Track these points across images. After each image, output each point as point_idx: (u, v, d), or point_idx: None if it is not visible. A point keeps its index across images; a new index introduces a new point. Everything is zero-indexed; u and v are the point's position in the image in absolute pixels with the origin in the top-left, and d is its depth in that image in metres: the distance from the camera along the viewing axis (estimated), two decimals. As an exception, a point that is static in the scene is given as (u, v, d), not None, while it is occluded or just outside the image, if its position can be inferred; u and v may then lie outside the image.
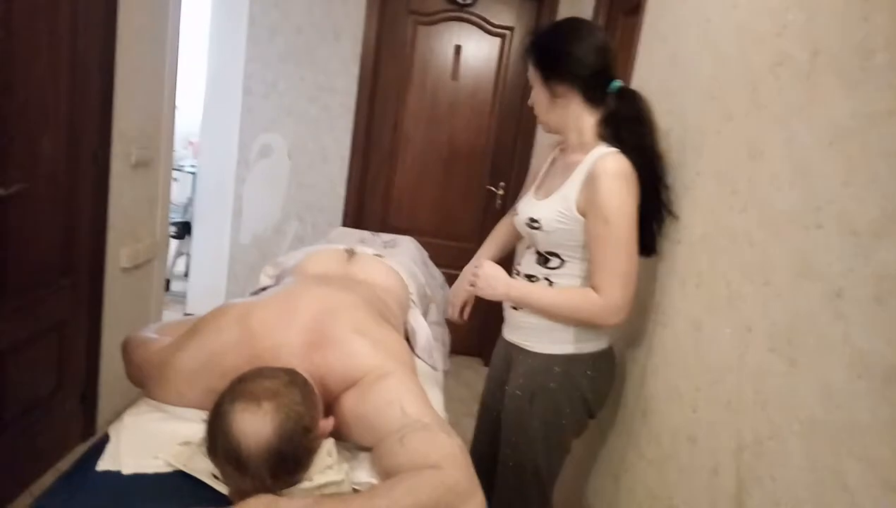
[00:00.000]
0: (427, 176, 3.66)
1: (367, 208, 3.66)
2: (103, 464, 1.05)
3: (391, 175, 3.63)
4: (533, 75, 1.47)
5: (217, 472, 1.03)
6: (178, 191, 5.52)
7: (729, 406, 1.05)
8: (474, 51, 3.54)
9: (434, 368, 1.73)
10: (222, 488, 1.03)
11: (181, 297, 4.03)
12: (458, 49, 3.53)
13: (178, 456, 1.08)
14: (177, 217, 4.63)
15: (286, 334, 1.21)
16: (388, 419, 1.12)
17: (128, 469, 1.04)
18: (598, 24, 2.81)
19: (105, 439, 1.13)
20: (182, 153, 5.34)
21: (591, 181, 1.36)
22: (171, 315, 4.05)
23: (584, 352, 1.47)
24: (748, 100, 1.16)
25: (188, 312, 3.83)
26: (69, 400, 2.28)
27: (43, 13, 1.84)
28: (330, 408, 1.19)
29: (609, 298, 1.34)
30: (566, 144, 1.53)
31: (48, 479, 2.14)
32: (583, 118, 1.44)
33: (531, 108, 1.53)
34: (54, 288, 2.08)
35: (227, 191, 3.59)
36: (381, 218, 3.65)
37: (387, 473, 1.09)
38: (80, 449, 2.36)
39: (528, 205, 1.54)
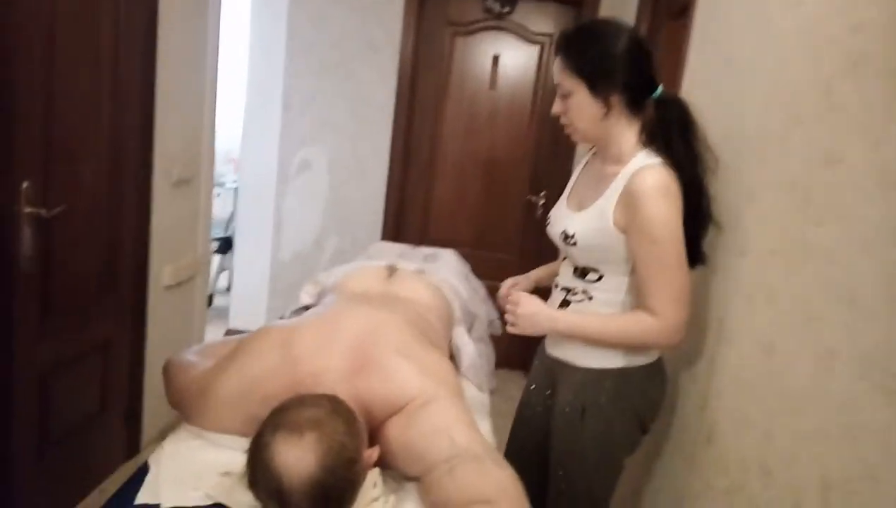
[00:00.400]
0: (466, 187, 3.61)
1: (406, 221, 3.62)
2: (142, 497, 1.01)
3: (430, 187, 3.59)
4: (573, 84, 1.33)
5: (258, 506, 0.98)
6: (220, 207, 5.61)
7: (811, 437, 0.96)
8: (512, 60, 3.49)
9: (480, 389, 1.66)
10: (264, 523, 0.98)
11: (224, 312, 4.05)
12: (495, 58, 3.48)
13: (217, 488, 1.03)
14: (219, 232, 4.68)
15: (328, 358, 1.16)
16: (436, 448, 1.06)
17: (167, 502, 1.00)
18: (640, 29, 2.72)
19: (145, 468, 1.09)
20: (223, 169, 5.41)
21: (630, 197, 1.27)
22: (213, 330, 4.07)
23: (635, 366, 1.39)
24: (820, 102, 1.06)
25: (231, 327, 3.84)
26: (114, 419, 2.28)
27: (85, 35, 1.85)
28: (374, 436, 1.14)
29: (666, 321, 1.26)
30: (604, 153, 1.43)
31: (93, 500, 2.13)
32: (625, 127, 1.35)
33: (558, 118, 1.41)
34: (98, 308, 2.08)
35: (268, 207, 3.60)
36: (421, 230, 3.61)
37: (436, 507, 1.02)
38: (125, 468, 2.35)
39: (561, 217, 1.46)
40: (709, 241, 1.47)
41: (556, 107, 1.39)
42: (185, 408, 1.26)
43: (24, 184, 1.65)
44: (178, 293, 2.65)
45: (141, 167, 2.20)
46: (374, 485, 1.06)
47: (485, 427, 1.45)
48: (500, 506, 0.95)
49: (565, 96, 1.36)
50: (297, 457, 0.92)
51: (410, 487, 1.12)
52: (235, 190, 4.62)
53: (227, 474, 1.06)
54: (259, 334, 1.27)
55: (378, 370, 1.16)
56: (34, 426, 1.82)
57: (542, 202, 3.57)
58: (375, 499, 1.04)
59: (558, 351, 1.49)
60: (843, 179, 0.97)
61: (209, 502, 1.01)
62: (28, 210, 1.66)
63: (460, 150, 3.55)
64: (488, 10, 3.41)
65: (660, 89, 1.35)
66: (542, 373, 1.59)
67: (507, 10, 3.40)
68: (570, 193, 1.51)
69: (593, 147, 1.51)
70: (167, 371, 1.37)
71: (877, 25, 0.93)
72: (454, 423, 1.09)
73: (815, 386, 0.97)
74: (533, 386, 1.62)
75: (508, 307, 1.38)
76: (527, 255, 3.43)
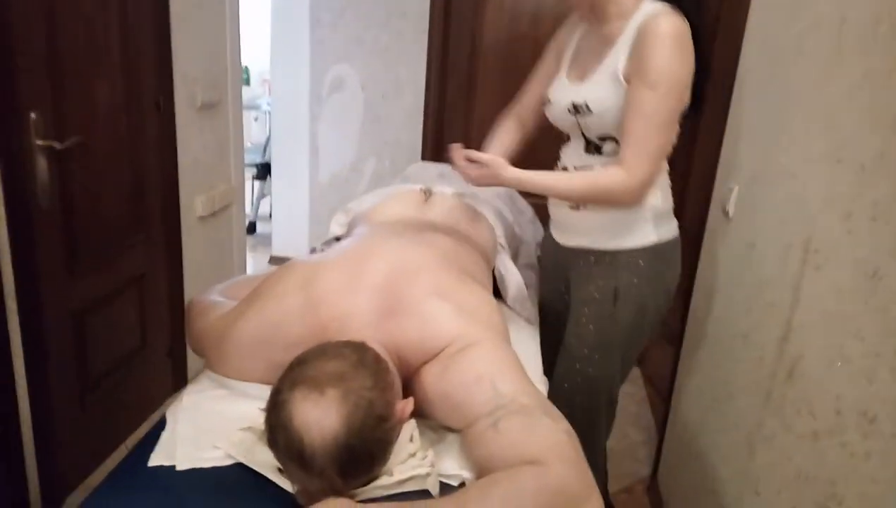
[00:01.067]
0: (509, 99, 3.36)
1: (446, 139, 3.41)
2: (156, 459, 0.92)
3: (471, 101, 3.35)
4: None
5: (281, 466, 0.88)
6: (258, 131, 5.50)
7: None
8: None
9: (529, 322, 1.52)
10: (288, 485, 0.88)
11: (267, 240, 4.01)
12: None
13: (238, 446, 0.94)
14: (257, 158, 4.58)
15: (355, 300, 1.03)
16: (478, 398, 0.93)
17: (183, 464, 0.91)
18: None
19: (162, 423, 1.00)
20: (258, 91, 5.26)
21: (641, 43, 1.22)
22: (257, 258, 4.05)
23: (665, 239, 1.39)
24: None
25: (274, 254, 3.80)
26: (156, 355, 2.26)
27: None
28: (409, 385, 1.02)
29: (634, 176, 1.25)
30: (600, 16, 1.34)
31: (142, 431, 2.14)
32: None
33: None
34: (128, 244, 2.01)
35: (302, 130, 3.45)
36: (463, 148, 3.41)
37: (480, 465, 0.91)
38: (173, 401, 2.35)
39: (564, 91, 1.39)
40: (781, 148, 1.28)
41: None
42: (206, 354, 1.17)
43: (32, 116, 1.54)
44: (214, 223, 2.56)
45: (160, 91, 2.06)
46: (411, 439, 0.95)
47: (534, 361, 1.32)
48: (552, 468, 0.82)
49: None
50: (319, 417, 0.81)
51: (452, 439, 1.00)
52: (270, 113, 4.50)
53: (248, 429, 0.96)
54: (281, 272, 1.15)
55: (410, 312, 1.03)
56: (72, 367, 1.79)
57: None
58: (412, 454, 0.93)
59: (578, 239, 1.43)
60: None
61: (229, 462, 0.92)
62: (39, 143, 1.56)
63: (503, 60, 3.27)
64: None
65: None
66: (552, 269, 1.57)
67: None
68: (568, 67, 1.44)
69: (582, 18, 1.46)
70: (189, 313, 1.28)
71: None
72: (498, 370, 0.96)
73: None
74: (547, 281, 1.62)
75: (462, 164, 1.34)
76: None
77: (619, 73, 1.26)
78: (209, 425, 0.98)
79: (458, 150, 1.35)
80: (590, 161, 1.37)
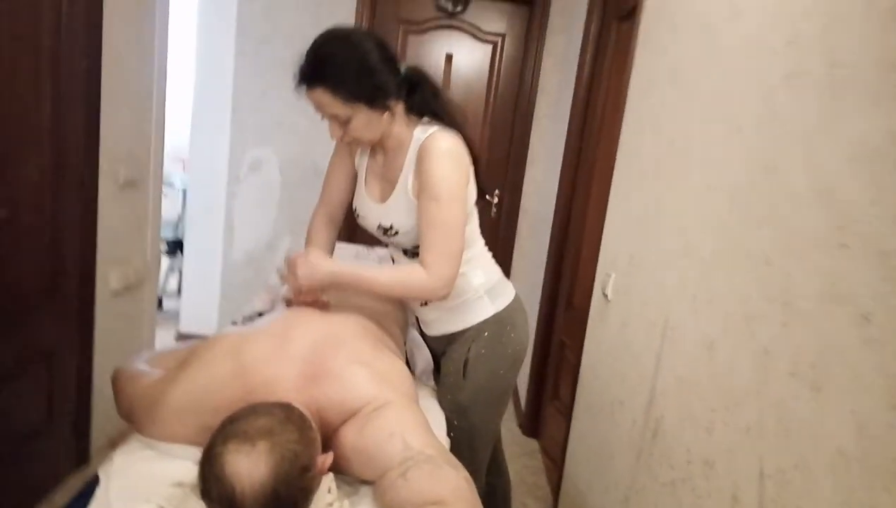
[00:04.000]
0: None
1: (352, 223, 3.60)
2: (92, 511, 0.99)
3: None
4: (350, 110, 1.35)
5: (212, 516, 0.97)
6: (169, 208, 5.47)
7: (749, 432, 1.00)
8: (466, 59, 3.51)
9: (434, 389, 1.68)
10: (218, 534, 0.97)
11: (174, 316, 3.96)
12: (449, 57, 3.50)
13: (170, 500, 1.02)
14: (168, 234, 4.57)
15: (281, 367, 1.16)
16: (389, 452, 1.07)
17: (118, 515, 0.98)
18: (591, 29, 2.78)
19: (95, 481, 1.07)
20: (171, 169, 5.27)
21: (420, 161, 1.38)
22: (163, 334, 3.97)
23: (503, 307, 1.57)
24: (759, 112, 1.11)
25: (182, 331, 3.76)
26: (61, 429, 2.21)
27: (23, 26, 1.78)
28: (329, 442, 1.14)
29: (436, 276, 1.37)
30: (383, 148, 1.51)
31: (41, 511, 2.08)
32: (397, 116, 1.43)
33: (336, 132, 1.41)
34: (41, 314, 2.02)
35: (219, 207, 3.54)
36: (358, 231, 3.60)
37: (390, 511, 1.03)
38: (74, 478, 2.29)
39: (370, 210, 1.55)
40: (646, 242, 1.54)
41: (336, 133, 1.41)
42: (136, 419, 1.23)
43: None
44: (127, 298, 2.58)
45: (85, 168, 2.14)
46: (329, 490, 1.06)
47: (439, 428, 1.47)
48: (454, 506, 0.96)
49: (345, 122, 1.38)
50: (250, 467, 0.92)
51: (365, 490, 1.12)
52: (184, 190, 4.54)
53: (179, 485, 1.05)
54: (210, 342, 1.26)
55: (331, 377, 1.16)
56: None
57: (496, 201, 3.60)
58: (330, 504, 1.04)
59: (440, 327, 1.61)
60: (779, 187, 1.01)
61: (161, 514, 1.00)
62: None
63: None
64: (441, 9, 3.43)
65: (403, 67, 1.44)
66: (436, 355, 1.72)
67: (459, 9, 3.42)
68: (366, 182, 1.58)
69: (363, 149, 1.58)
70: (116, 380, 1.34)
71: (810, 38, 0.98)
72: (408, 427, 1.10)
73: (752, 383, 1.01)
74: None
75: (287, 273, 1.44)
76: (481, 254, 3.47)
77: (410, 193, 1.42)
78: (141, 482, 1.06)
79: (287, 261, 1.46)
80: (411, 262, 1.51)
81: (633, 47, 1.96)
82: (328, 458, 1.06)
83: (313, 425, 1.07)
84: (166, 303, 4.46)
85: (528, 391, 3.15)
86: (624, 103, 1.98)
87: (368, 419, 1.12)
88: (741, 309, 1.08)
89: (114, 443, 2.52)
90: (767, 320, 0.99)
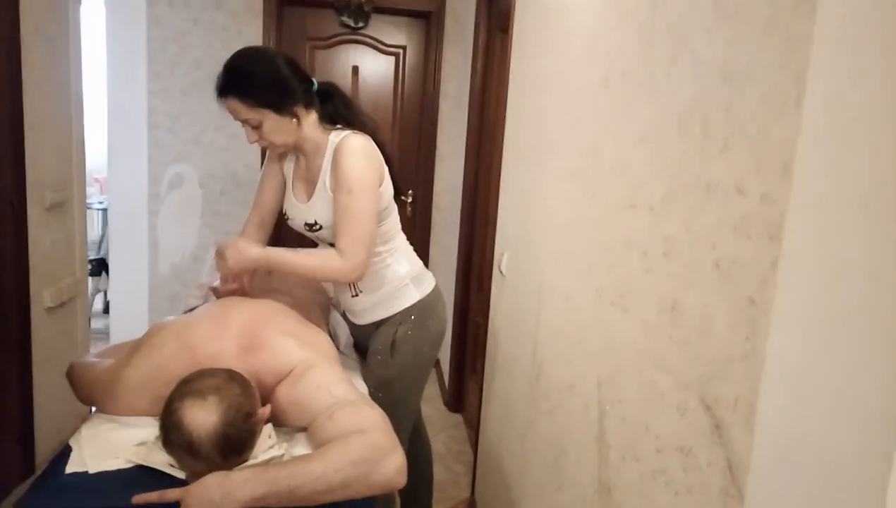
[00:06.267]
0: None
1: (282, 228, 3.79)
2: (71, 468, 1.20)
3: (303, 194, 3.78)
4: (260, 115, 1.57)
5: (174, 462, 1.20)
6: (90, 229, 5.46)
7: (592, 354, 1.32)
8: (371, 70, 3.77)
9: (358, 362, 1.93)
10: (179, 474, 1.20)
11: (103, 334, 4.04)
12: (355, 69, 3.75)
13: (136, 454, 1.24)
14: (91, 254, 4.60)
15: (222, 342, 1.39)
16: (318, 401, 1.32)
17: (94, 469, 1.19)
18: (479, 40, 3.10)
19: (67, 449, 1.27)
20: (88, 190, 5.28)
21: (336, 160, 1.59)
22: (95, 352, 4.04)
23: (426, 294, 1.81)
24: (588, 108, 1.43)
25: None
26: (6, 443, 2.33)
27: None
28: (266, 399, 1.38)
29: (351, 260, 1.57)
30: (303, 153, 1.72)
31: (-8, 520, 2.19)
32: (309, 124, 1.66)
33: (258, 138, 1.62)
34: (-19, 334, 2.14)
35: (141, 225, 3.65)
36: (298, 236, 3.80)
37: (321, 446, 1.28)
38: (21, 489, 2.40)
39: (297, 211, 1.75)
40: (526, 221, 1.85)
41: (252, 138, 1.63)
42: (97, 399, 1.43)
43: None
44: (61, 314, 2.70)
45: (14, 193, 2.27)
46: (269, 436, 1.30)
47: (359, 384, 1.73)
48: (371, 434, 1.22)
49: (256, 127, 1.60)
50: (203, 416, 1.15)
51: (300, 436, 1.37)
52: (103, 210, 4.59)
53: (141, 444, 1.27)
54: (155, 329, 1.47)
55: (265, 347, 1.40)
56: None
57: (410, 200, 3.88)
58: (271, 447, 1.29)
59: (368, 316, 1.83)
60: (601, 166, 1.33)
61: (130, 465, 1.22)
62: None
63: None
64: (344, 25, 3.67)
65: (315, 82, 1.70)
66: (356, 335, 1.95)
67: (361, 24, 3.68)
68: (293, 187, 1.79)
69: (283, 155, 1.81)
70: (72, 372, 1.54)
71: (613, 54, 1.30)
72: (332, 380, 1.36)
73: (591, 317, 1.33)
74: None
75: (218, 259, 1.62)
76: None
77: (328, 189, 1.63)
78: (108, 445, 1.27)
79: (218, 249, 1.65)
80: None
81: (509, 56, 2.28)
82: (267, 409, 1.30)
83: (252, 384, 1.31)
84: (94, 323, 4.49)
85: (450, 370, 3.44)
86: (506, 103, 2.30)
87: (298, 377, 1.37)
88: (584, 262, 1.40)
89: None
90: (599, 267, 1.31)
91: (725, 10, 0.89)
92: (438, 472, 2.70)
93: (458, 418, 3.37)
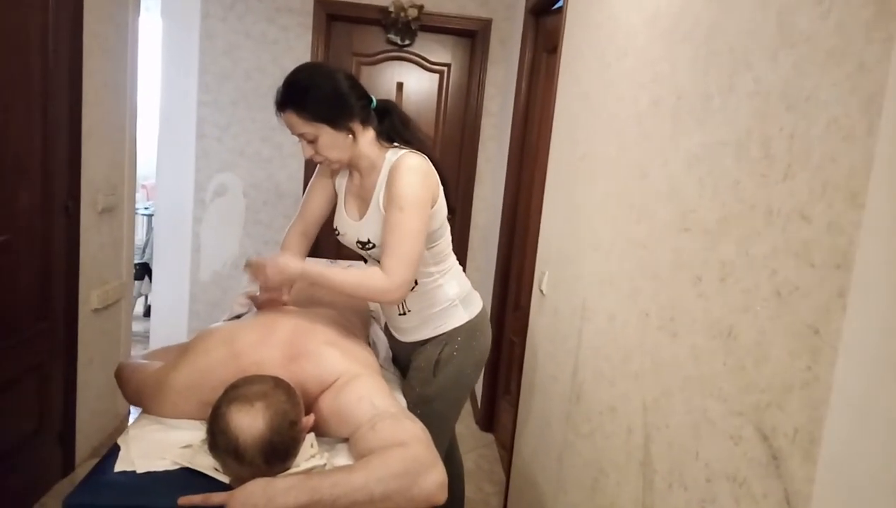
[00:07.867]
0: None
1: (321, 240, 3.83)
2: (119, 466, 1.22)
3: (343, 206, 3.83)
4: (316, 129, 1.58)
5: (218, 465, 1.22)
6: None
7: (636, 377, 1.30)
8: (415, 87, 3.82)
9: (397, 375, 1.94)
10: (223, 479, 1.21)
11: (143, 337, 4.12)
12: (399, 86, 3.80)
13: (182, 456, 1.26)
14: (135, 258, 4.72)
15: (267, 351, 1.41)
16: (360, 412, 1.33)
17: (141, 468, 1.22)
18: (525, 59, 3.12)
19: (115, 448, 1.30)
20: (137, 196, 5.43)
21: (391, 178, 1.58)
22: (135, 355, 4.13)
23: (475, 315, 1.81)
24: (636, 132, 1.43)
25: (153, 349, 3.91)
26: (48, 440, 2.39)
27: (18, 77, 2.01)
28: (309, 409, 1.39)
29: (394, 279, 1.54)
30: (357, 170, 1.72)
31: (33, 515, 2.25)
32: (366, 141, 1.66)
33: (315, 155, 1.62)
34: (33, 333, 2.21)
35: (185, 231, 3.74)
36: (336, 248, 3.85)
37: (362, 456, 1.29)
38: (61, 486, 2.46)
39: (349, 227, 1.74)
40: (569, 241, 1.84)
41: (307, 152, 1.63)
42: (145, 401, 1.46)
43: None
44: (106, 316, 2.78)
45: (70, 197, 2.35)
46: (312, 445, 1.31)
47: (399, 398, 1.73)
48: (413, 447, 1.22)
49: (312, 141, 1.61)
50: (249, 422, 1.17)
51: (341, 447, 1.38)
52: (148, 216, 4.71)
53: (188, 446, 1.29)
54: (204, 334, 1.50)
55: (309, 357, 1.42)
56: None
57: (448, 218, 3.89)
58: (313, 456, 1.30)
59: (415, 335, 1.82)
60: (649, 189, 1.33)
61: (176, 467, 1.24)
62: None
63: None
64: (391, 42, 3.73)
65: (374, 100, 1.70)
66: (397, 351, 1.94)
67: (407, 42, 3.73)
68: (345, 202, 1.78)
69: (337, 172, 1.80)
70: (121, 373, 1.57)
71: (666, 76, 1.30)
72: (374, 392, 1.37)
73: (636, 339, 1.31)
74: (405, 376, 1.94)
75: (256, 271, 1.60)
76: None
77: (381, 207, 1.61)
78: (155, 446, 1.29)
79: (252, 263, 1.63)
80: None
81: (557, 76, 2.28)
82: (311, 418, 1.32)
83: (297, 392, 1.33)
84: (135, 326, 4.59)
85: (484, 389, 3.43)
86: (552, 123, 2.31)
87: (342, 388, 1.38)
88: (629, 284, 1.39)
89: (97, 453, 2.69)
90: (645, 291, 1.30)
91: (790, 34, 0.88)
92: (469, 491, 2.68)
93: (489, 437, 3.34)
